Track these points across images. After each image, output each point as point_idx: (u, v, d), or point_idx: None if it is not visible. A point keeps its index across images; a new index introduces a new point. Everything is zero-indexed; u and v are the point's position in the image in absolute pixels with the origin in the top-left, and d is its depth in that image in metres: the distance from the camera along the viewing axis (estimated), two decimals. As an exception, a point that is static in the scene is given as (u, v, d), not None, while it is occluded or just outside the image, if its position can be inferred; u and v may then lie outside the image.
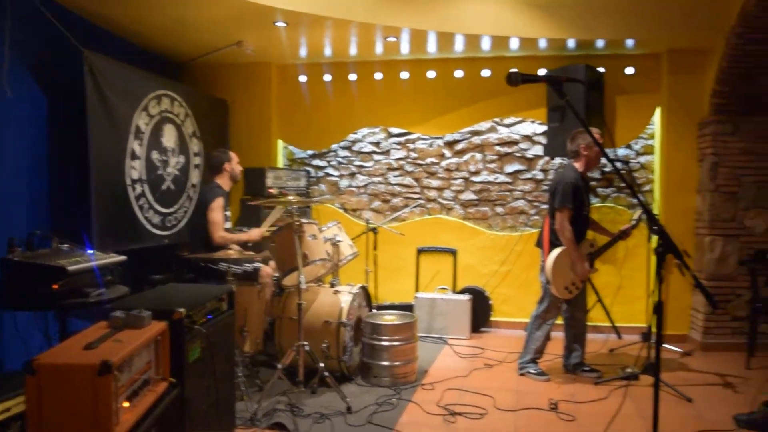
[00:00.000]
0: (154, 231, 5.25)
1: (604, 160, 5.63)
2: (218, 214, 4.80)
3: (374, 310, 5.18)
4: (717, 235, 5.65)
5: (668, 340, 5.59)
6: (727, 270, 5.60)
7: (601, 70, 6.08)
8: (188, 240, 5.65)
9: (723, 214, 5.63)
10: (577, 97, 5.50)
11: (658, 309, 2.53)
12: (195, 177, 5.96)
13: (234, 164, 5.07)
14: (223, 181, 5.02)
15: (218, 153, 5.10)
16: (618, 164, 6.14)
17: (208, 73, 6.70)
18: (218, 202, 4.82)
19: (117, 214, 4.74)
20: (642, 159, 6.34)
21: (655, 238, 5.69)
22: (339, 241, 5.06)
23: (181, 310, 2.78)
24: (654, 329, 5.56)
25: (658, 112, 6.22)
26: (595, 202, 6.22)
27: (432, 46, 6.16)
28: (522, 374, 4.86)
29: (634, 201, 6.28)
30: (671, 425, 3.73)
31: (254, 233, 4.95)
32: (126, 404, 2.25)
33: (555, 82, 2.62)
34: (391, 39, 5.90)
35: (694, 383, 4.65)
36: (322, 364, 4.25)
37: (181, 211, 5.70)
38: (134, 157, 4.95)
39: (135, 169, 4.96)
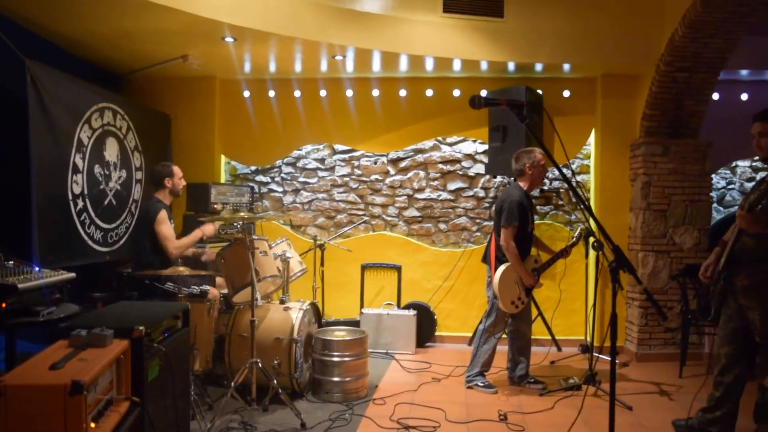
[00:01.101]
0: (96, 247, 5.10)
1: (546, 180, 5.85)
2: (167, 227, 4.73)
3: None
4: (649, 251, 5.94)
5: (605, 351, 5.81)
6: (659, 284, 5.90)
7: (540, 92, 6.33)
8: (130, 257, 5.52)
9: (654, 231, 5.93)
10: (518, 119, 5.70)
11: (612, 321, 2.67)
12: (137, 192, 5.83)
13: (176, 179, 4.98)
14: (164, 196, 4.94)
15: (160, 167, 5.01)
16: (564, 183, 6.40)
17: (149, 86, 6.58)
18: (163, 215, 4.75)
19: (59, 229, 4.59)
20: (578, 178, 6.62)
21: (593, 254, 5.98)
22: (288, 258, 5.06)
23: (141, 328, 2.73)
24: (596, 342, 5.81)
25: (593, 133, 6.51)
26: (534, 219, 6.44)
27: (377, 65, 6.26)
28: (470, 387, 4.96)
29: (572, 218, 6.54)
30: (615, 433, 3.88)
31: (208, 228, 4.88)
32: (93, 425, 2.19)
33: (516, 106, 2.73)
34: (338, 57, 5.97)
35: (632, 392, 4.87)
36: (275, 381, 4.22)
37: (123, 226, 5.56)
38: (76, 171, 4.80)
39: (77, 184, 4.81)
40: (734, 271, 3.67)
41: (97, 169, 5.12)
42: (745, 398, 3.78)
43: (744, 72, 6.41)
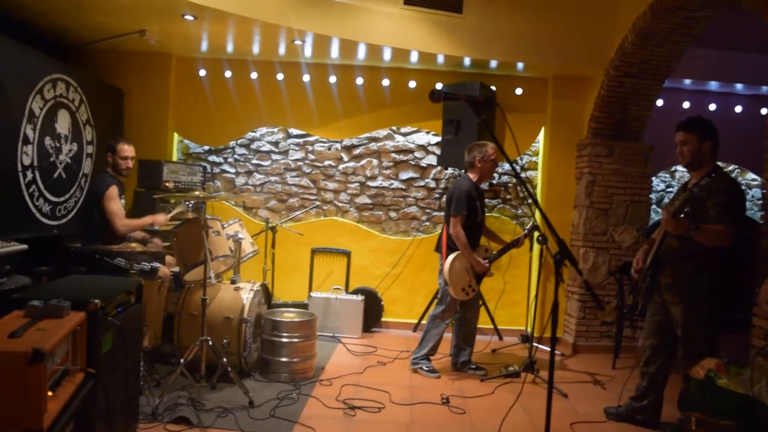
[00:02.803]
0: (44, 220, 5.03)
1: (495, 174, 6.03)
2: (116, 204, 4.69)
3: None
4: (590, 248, 6.20)
5: (545, 342, 6.02)
6: (598, 279, 6.17)
7: (494, 88, 6.50)
8: (78, 231, 5.45)
9: (596, 229, 6.19)
10: (471, 113, 5.86)
11: (554, 309, 2.81)
12: (87, 166, 5.74)
13: (118, 158, 4.86)
14: (114, 172, 4.91)
15: (110, 143, 4.96)
16: (513, 177, 6.61)
17: (103, 59, 6.45)
18: (112, 191, 4.70)
19: (6, 201, 4.50)
20: (526, 174, 6.84)
21: (537, 248, 6.21)
22: (241, 239, 5.09)
23: (97, 301, 2.76)
24: (536, 333, 6.03)
25: (542, 131, 6.73)
26: (484, 210, 6.63)
27: (335, 52, 6.31)
28: (414, 369, 5.11)
29: (519, 212, 6.76)
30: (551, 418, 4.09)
31: (159, 218, 4.85)
32: (50, 393, 2.23)
33: (473, 102, 2.86)
34: (296, 42, 5.99)
35: (568, 381, 5.12)
36: (224, 359, 4.27)
37: (72, 200, 5.49)
38: (27, 142, 4.71)
39: (27, 155, 4.72)
40: (659, 269, 3.92)
41: (47, 141, 5.04)
42: (672, 388, 4.03)
43: (687, 81, 6.73)
